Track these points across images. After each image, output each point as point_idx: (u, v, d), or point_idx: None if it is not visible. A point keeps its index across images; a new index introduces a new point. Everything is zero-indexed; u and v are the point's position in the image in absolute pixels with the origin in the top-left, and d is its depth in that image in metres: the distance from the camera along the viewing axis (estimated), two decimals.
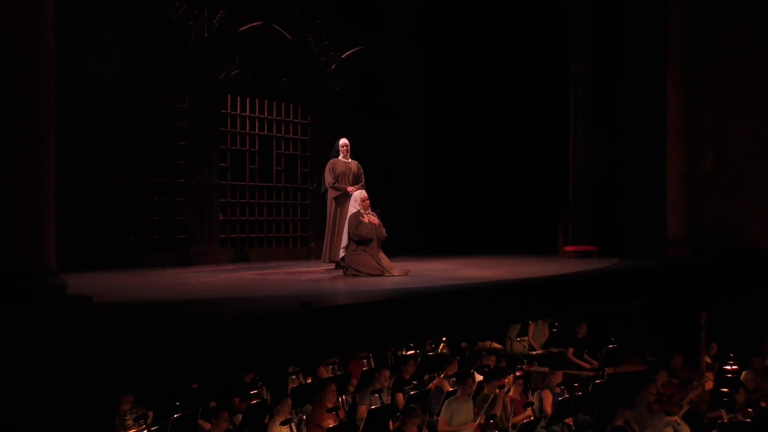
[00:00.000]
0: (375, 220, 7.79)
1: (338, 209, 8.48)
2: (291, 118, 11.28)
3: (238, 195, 10.52)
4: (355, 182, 8.55)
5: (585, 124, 11.68)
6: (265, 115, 10.90)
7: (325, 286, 7.10)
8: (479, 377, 8.20)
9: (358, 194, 8.03)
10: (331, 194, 8.51)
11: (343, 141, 8.71)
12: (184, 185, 9.75)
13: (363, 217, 7.76)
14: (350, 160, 8.67)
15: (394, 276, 7.46)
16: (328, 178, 8.50)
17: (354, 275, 7.52)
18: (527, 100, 12.67)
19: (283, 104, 11.14)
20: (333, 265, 8.45)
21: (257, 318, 4.82)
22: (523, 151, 12.90)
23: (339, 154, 8.63)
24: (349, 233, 7.75)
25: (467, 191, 13.27)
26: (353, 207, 7.97)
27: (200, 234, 9.79)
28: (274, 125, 11.05)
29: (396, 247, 9.04)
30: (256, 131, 10.80)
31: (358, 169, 8.67)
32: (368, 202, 7.92)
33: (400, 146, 12.90)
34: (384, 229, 7.86)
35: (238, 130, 10.55)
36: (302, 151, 11.40)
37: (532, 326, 10.55)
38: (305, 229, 11.38)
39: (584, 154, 11.65)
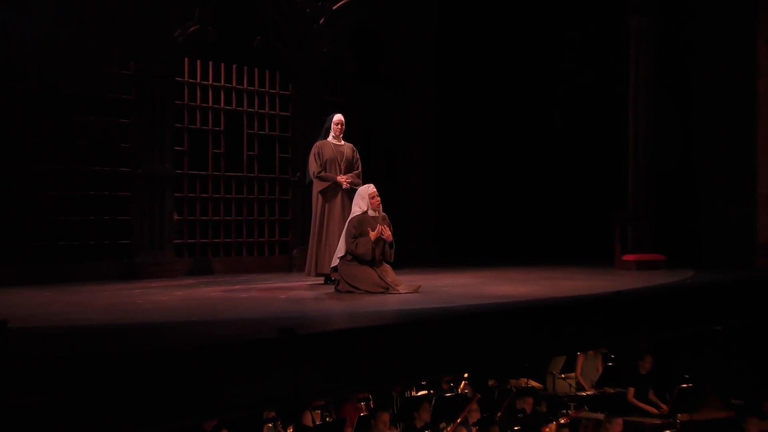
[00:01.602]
0: (387, 232, 7.60)
1: (326, 206, 8.44)
2: (267, 89, 11.29)
3: (198, 188, 10.54)
4: (349, 170, 8.51)
5: (649, 96, 11.66)
6: (234, 85, 10.92)
7: (312, 307, 7.11)
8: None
9: (365, 189, 7.81)
10: (317, 186, 8.48)
11: (338, 117, 8.68)
12: (128, 175, 9.76)
13: (369, 227, 7.55)
14: (343, 142, 8.64)
15: (400, 293, 7.43)
16: (313, 166, 8.47)
17: (348, 292, 7.50)
18: (573, 66, 12.63)
19: (256, 70, 11.17)
20: (321, 280, 8.45)
21: (223, 347, 4.80)
22: (567, 132, 12.88)
23: (330, 134, 8.59)
24: (345, 243, 7.66)
25: (494, 183, 13.26)
26: (357, 206, 7.78)
27: (149, 239, 9.79)
28: (245, 97, 11.06)
29: (403, 257, 9.02)
30: (222, 105, 10.82)
31: (353, 153, 8.65)
32: (379, 199, 7.76)
33: (408, 125, 12.90)
34: (393, 247, 7.68)
35: (199, 103, 10.58)
36: (282, 130, 11.42)
37: (580, 359, 10.55)
38: (285, 232, 11.39)
39: (648, 135, 11.63)
